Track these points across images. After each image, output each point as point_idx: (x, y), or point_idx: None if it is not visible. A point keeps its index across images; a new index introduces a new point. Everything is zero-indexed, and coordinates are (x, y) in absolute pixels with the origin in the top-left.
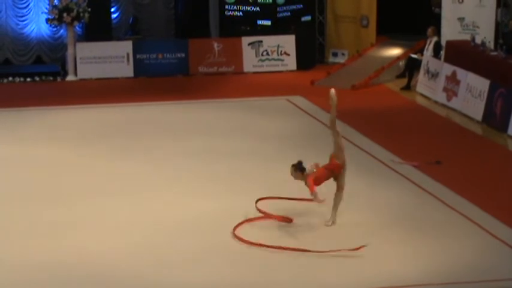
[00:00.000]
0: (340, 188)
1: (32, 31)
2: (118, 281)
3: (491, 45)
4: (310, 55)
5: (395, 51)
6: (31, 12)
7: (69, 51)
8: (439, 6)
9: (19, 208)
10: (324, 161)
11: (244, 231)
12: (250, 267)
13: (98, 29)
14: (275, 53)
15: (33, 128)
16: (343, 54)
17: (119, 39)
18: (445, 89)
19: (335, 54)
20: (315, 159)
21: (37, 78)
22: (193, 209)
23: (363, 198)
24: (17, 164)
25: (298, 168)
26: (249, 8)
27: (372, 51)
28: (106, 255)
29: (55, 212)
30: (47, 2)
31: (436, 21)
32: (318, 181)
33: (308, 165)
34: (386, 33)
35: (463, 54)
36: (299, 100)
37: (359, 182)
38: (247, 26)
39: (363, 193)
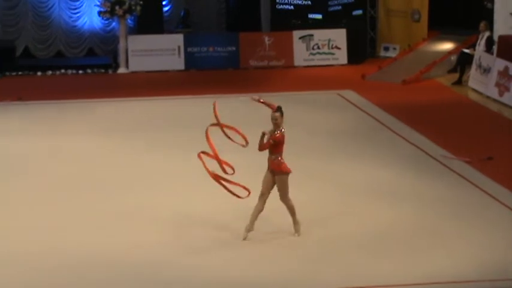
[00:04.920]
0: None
1: (84, 24)
2: (156, 272)
3: None
4: (361, 49)
5: (447, 46)
6: (84, 5)
7: (121, 44)
8: (491, 1)
9: (67, 200)
10: (374, 159)
11: None
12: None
13: (149, 22)
14: (326, 47)
15: (85, 120)
16: (394, 48)
17: (170, 32)
18: (497, 84)
19: (386, 49)
20: (364, 153)
21: (89, 71)
22: (238, 204)
23: (413, 193)
24: (68, 155)
25: (283, 114)
26: (300, 2)
27: (423, 45)
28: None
29: (100, 204)
30: None
31: (488, 16)
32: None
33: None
34: (438, 27)
35: None
36: (350, 94)
37: (410, 176)
38: (298, 19)
39: (414, 188)
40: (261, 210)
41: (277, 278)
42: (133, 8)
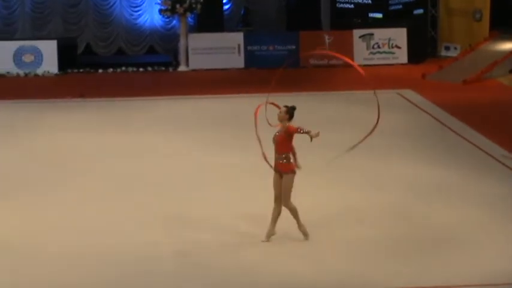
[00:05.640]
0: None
1: (145, 21)
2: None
3: None
4: (422, 48)
5: (508, 46)
6: (145, 3)
7: (181, 42)
8: None
9: (127, 198)
10: (433, 159)
11: None
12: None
13: (209, 20)
14: (386, 46)
15: (145, 118)
16: (455, 48)
17: (230, 30)
18: None
19: (447, 48)
20: (423, 153)
21: (149, 68)
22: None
23: (473, 193)
24: (129, 152)
25: (289, 112)
26: (360, 1)
27: (484, 45)
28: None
29: (160, 203)
30: None
31: None
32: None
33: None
34: (500, 27)
35: None
36: (410, 94)
37: (469, 176)
38: (359, 18)
39: (474, 188)
40: (280, 212)
41: (330, 277)
42: (193, 6)
